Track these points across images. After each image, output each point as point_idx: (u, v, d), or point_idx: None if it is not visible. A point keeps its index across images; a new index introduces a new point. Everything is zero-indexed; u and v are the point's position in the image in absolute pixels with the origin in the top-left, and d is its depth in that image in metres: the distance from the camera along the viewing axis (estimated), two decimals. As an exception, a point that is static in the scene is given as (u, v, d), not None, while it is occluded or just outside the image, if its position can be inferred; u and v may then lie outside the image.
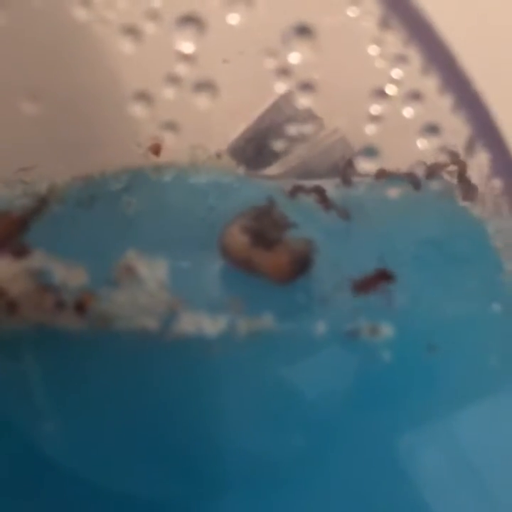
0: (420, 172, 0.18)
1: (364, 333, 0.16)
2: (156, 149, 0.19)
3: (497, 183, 0.15)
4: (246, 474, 0.16)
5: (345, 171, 0.19)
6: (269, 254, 0.17)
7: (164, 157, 0.19)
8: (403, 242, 0.18)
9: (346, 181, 0.19)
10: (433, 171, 0.18)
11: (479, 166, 0.14)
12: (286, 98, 0.17)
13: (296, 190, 0.19)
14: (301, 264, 0.17)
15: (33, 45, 0.13)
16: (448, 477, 0.17)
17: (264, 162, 0.20)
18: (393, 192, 0.17)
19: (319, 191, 0.19)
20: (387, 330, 0.16)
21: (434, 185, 0.18)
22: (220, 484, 0.16)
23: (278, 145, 0.18)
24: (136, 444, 0.16)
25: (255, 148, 0.19)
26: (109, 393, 0.16)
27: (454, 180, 0.18)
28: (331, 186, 0.19)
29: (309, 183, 0.19)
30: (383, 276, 0.17)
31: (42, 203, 0.18)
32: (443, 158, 0.16)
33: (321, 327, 0.15)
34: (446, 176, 0.18)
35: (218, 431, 0.16)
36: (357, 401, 0.16)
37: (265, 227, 0.17)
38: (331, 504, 0.17)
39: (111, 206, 0.18)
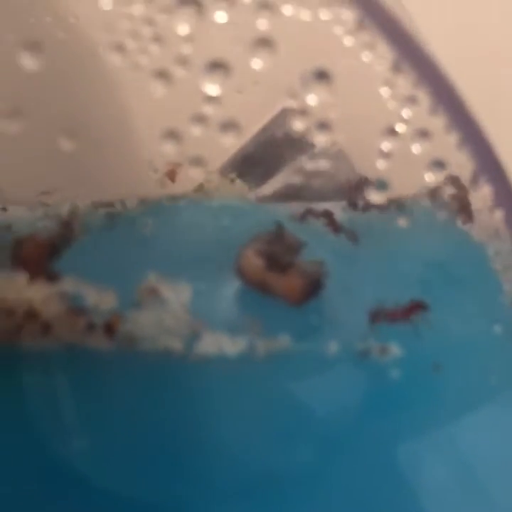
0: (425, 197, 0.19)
1: (374, 353, 0.17)
2: (172, 175, 0.20)
3: (498, 214, 0.16)
4: (256, 487, 0.17)
5: (352, 194, 0.20)
6: (283, 277, 0.18)
7: (179, 182, 0.20)
8: (409, 265, 0.19)
9: (353, 205, 0.20)
10: (435, 194, 0.19)
11: (483, 196, 0.16)
12: (284, 114, 0.18)
13: (306, 214, 0.20)
14: (314, 287, 0.18)
15: (71, 87, 0.14)
16: (452, 490, 0.18)
17: (266, 176, 0.20)
18: (401, 221, 0.18)
19: (328, 215, 0.20)
20: (395, 350, 0.17)
21: (438, 210, 0.19)
22: (232, 497, 0.17)
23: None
24: (159, 458, 0.17)
25: (254, 163, 0.20)
26: (134, 410, 0.17)
27: (456, 206, 0.19)
28: (338, 209, 0.20)
29: (318, 207, 0.20)
30: (419, 307, 0.18)
31: (67, 228, 0.19)
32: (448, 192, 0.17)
33: (333, 347, 0.17)
34: (448, 201, 0.19)
35: (235, 445, 0.17)
36: (365, 417, 0.17)
37: (278, 250, 0.18)
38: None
39: (131, 228, 0.19)
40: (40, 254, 0.17)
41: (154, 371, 0.16)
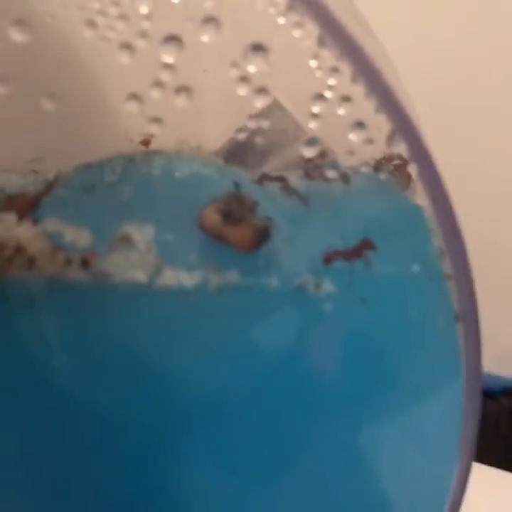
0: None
1: (310, 288, 0.20)
2: (146, 143, 0.23)
3: (413, 169, 0.19)
4: (204, 410, 0.20)
5: (306, 165, 0.23)
6: (235, 229, 0.21)
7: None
8: (351, 222, 0.22)
9: (307, 175, 0.23)
10: (380, 165, 0.22)
11: (399, 153, 0.18)
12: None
13: (262, 178, 0.23)
14: (261, 236, 0.21)
15: (52, 56, 0.17)
16: (379, 407, 0.21)
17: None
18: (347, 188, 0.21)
19: (282, 179, 0.23)
20: (328, 286, 0.20)
21: (381, 177, 0.22)
22: (185, 415, 0.20)
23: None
24: (126, 374, 0.20)
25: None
26: (106, 333, 0.20)
27: (397, 175, 0.22)
28: (293, 177, 0.23)
29: (274, 173, 0.23)
30: (368, 245, 0.21)
31: (49, 187, 0.21)
32: (370, 149, 0.19)
33: (274, 283, 0.20)
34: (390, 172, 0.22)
35: (188, 368, 0.20)
36: (301, 345, 0.20)
37: (234, 208, 0.21)
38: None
39: (109, 193, 0.22)
40: (27, 202, 0.20)
41: (123, 300, 0.19)
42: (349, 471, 0.22)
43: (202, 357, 0.20)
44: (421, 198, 0.22)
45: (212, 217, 0.21)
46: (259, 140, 0.20)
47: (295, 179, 0.23)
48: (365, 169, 0.22)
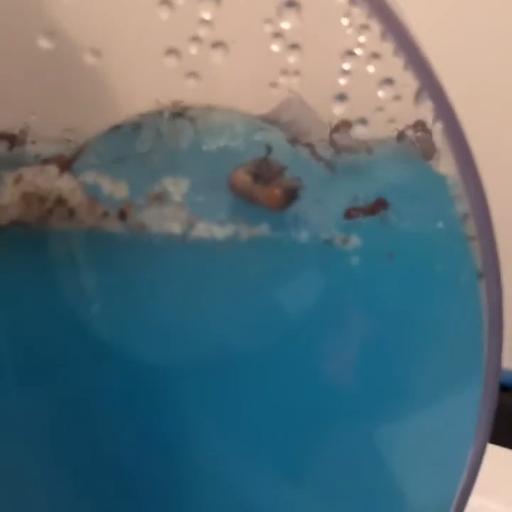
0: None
1: (337, 242, 0.20)
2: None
3: (438, 126, 0.19)
4: (232, 356, 0.21)
5: (331, 135, 0.24)
6: (265, 188, 0.21)
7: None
8: (375, 186, 0.23)
9: (333, 144, 0.24)
10: (403, 135, 0.23)
11: (425, 110, 0.19)
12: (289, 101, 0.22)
13: (294, 141, 0.24)
14: (291, 195, 0.21)
15: (96, 12, 0.18)
16: (399, 362, 0.21)
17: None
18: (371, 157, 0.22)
19: (311, 146, 0.24)
20: (356, 240, 0.21)
21: (404, 147, 0.23)
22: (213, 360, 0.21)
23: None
24: (161, 322, 0.20)
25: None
26: (142, 282, 0.20)
27: (421, 146, 0.23)
28: (321, 146, 0.24)
29: (303, 139, 0.24)
30: (382, 204, 0.22)
31: (80, 153, 0.22)
32: (397, 106, 0.20)
33: (303, 236, 0.20)
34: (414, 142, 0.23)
35: (220, 314, 0.21)
36: (330, 297, 0.21)
37: (263, 170, 0.22)
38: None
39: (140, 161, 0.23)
40: (65, 160, 0.21)
41: (159, 250, 0.20)
42: (367, 443, 0.22)
43: (232, 307, 0.21)
44: (445, 166, 0.22)
45: (243, 177, 0.21)
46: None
47: (322, 149, 0.23)
48: (389, 140, 0.23)
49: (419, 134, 0.23)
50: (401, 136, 0.23)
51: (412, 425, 0.22)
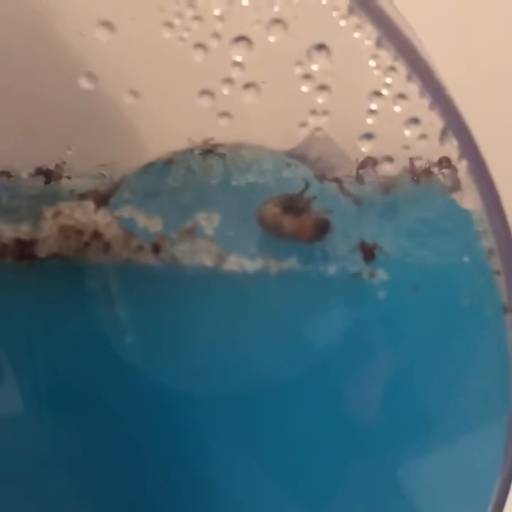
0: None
1: (364, 276, 0.21)
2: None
3: (464, 163, 0.20)
4: (262, 388, 0.22)
5: (358, 172, 0.24)
6: (296, 219, 0.22)
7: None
8: (401, 220, 0.23)
9: (360, 180, 0.24)
10: (428, 171, 0.23)
11: (450, 148, 0.20)
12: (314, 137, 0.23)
13: (321, 177, 0.24)
14: (322, 227, 0.22)
15: (134, 55, 0.19)
16: (428, 393, 0.22)
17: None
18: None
19: (338, 181, 0.24)
20: (382, 274, 0.21)
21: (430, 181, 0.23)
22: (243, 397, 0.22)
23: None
24: (194, 352, 0.21)
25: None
26: (176, 314, 0.21)
27: (448, 181, 0.23)
28: (348, 182, 0.24)
29: (331, 174, 0.24)
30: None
31: (115, 188, 0.23)
32: (422, 145, 0.21)
33: (331, 269, 0.21)
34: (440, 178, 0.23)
35: (250, 345, 0.21)
36: (356, 330, 0.21)
37: (293, 201, 0.22)
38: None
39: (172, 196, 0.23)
40: (101, 195, 0.22)
41: (191, 283, 0.21)
42: (394, 467, 0.23)
43: (261, 339, 0.21)
44: (470, 201, 0.23)
45: (272, 210, 0.22)
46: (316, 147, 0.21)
47: (349, 184, 0.24)
48: (415, 176, 0.23)
49: (444, 170, 0.23)
50: (427, 172, 0.23)
51: (437, 460, 0.23)
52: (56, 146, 0.22)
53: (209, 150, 0.22)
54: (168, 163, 0.22)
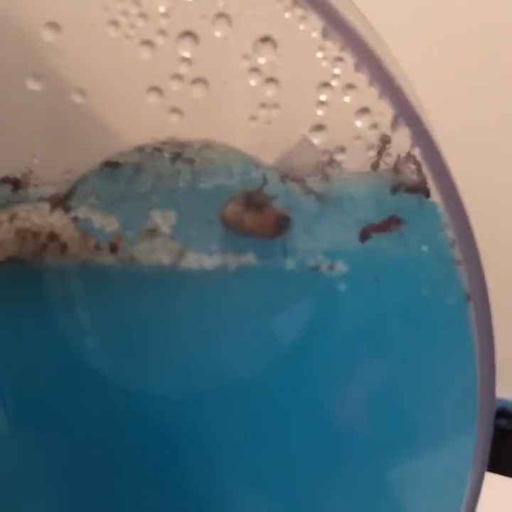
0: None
1: (324, 268, 0.21)
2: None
3: (416, 152, 0.20)
4: (224, 383, 0.22)
5: (323, 170, 0.24)
6: (258, 215, 0.22)
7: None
8: (362, 214, 0.23)
9: (325, 177, 0.24)
10: (397, 166, 0.23)
11: (403, 138, 0.20)
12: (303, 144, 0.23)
13: (284, 177, 0.24)
14: (284, 222, 0.22)
15: (80, 55, 0.19)
16: (390, 384, 0.22)
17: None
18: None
19: (300, 180, 0.24)
20: (341, 266, 0.21)
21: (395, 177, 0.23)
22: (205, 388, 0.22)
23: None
24: (157, 351, 0.21)
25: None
26: (134, 312, 0.21)
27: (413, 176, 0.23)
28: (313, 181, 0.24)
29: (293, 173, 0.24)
30: (395, 220, 0.22)
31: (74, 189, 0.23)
32: (374, 135, 0.21)
33: (290, 264, 0.21)
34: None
35: (210, 342, 0.21)
36: (316, 324, 0.21)
37: (255, 198, 0.22)
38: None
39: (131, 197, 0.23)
40: (59, 198, 0.22)
41: (149, 281, 0.21)
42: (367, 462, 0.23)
43: (222, 335, 0.21)
44: (435, 194, 0.23)
45: (234, 208, 0.22)
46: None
47: (313, 182, 0.24)
48: (382, 171, 0.23)
49: (409, 164, 0.23)
50: (396, 166, 0.23)
51: (408, 447, 0.22)
52: (21, 154, 0.22)
53: (178, 153, 0.22)
54: (136, 166, 0.22)
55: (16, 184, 0.23)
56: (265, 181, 0.22)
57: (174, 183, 0.23)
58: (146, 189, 0.22)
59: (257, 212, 0.22)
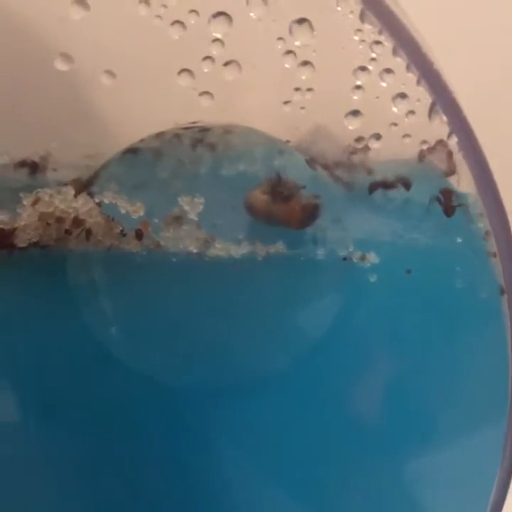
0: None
1: (355, 259, 0.20)
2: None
3: (453, 140, 0.19)
4: (247, 372, 0.21)
5: (349, 157, 0.23)
6: (285, 205, 0.21)
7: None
8: (393, 207, 0.23)
9: (351, 165, 0.23)
10: (423, 154, 0.23)
11: (439, 124, 0.19)
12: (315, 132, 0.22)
13: (313, 163, 0.24)
14: (312, 212, 0.21)
15: (110, 34, 0.19)
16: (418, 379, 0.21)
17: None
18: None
19: (328, 167, 0.24)
20: (373, 257, 0.20)
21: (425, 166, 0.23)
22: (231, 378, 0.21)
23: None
24: (182, 340, 0.20)
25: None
26: (160, 300, 0.20)
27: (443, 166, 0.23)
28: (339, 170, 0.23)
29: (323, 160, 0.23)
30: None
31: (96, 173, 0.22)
32: (411, 122, 0.20)
33: (320, 253, 0.20)
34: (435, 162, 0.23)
35: (238, 330, 0.21)
36: (347, 313, 0.21)
37: (281, 188, 0.22)
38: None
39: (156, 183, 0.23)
40: (82, 183, 0.21)
41: (177, 269, 0.20)
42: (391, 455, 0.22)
43: (250, 324, 0.21)
44: (466, 185, 0.22)
45: (261, 197, 0.21)
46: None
47: (340, 170, 0.23)
48: (411, 160, 0.22)
49: (440, 153, 0.23)
50: (422, 155, 0.23)
51: (438, 441, 0.22)
52: (39, 137, 0.21)
53: (198, 139, 0.22)
54: (155, 152, 0.22)
55: (33, 168, 0.22)
56: (279, 176, 0.22)
57: (196, 169, 0.22)
58: (168, 175, 0.22)
59: (284, 202, 0.21)
